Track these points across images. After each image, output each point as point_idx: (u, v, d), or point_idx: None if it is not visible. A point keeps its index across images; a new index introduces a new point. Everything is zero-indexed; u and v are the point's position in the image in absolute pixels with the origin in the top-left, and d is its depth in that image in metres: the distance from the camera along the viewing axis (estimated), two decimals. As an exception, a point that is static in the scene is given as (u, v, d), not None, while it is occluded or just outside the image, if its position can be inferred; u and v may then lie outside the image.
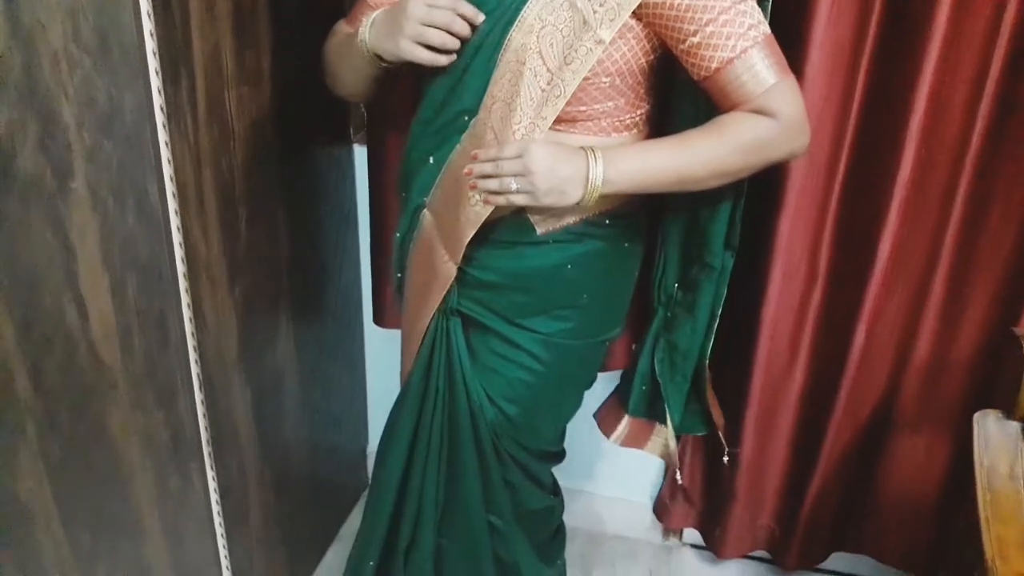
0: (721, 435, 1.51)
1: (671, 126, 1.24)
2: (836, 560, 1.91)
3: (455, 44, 1.10)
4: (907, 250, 1.51)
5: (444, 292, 1.24)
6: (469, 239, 1.16)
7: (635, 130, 1.17)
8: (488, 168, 1.07)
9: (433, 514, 1.35)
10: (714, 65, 1.05)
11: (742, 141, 1.08)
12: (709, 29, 1.04)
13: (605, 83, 1.09)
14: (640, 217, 1.29)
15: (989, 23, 1.31)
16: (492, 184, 1.07)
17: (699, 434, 1.54)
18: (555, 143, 1.08)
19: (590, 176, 1.06)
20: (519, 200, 1.07)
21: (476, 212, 1.14)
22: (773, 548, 1.89)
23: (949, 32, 1.32)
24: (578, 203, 1.08)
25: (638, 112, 1.16)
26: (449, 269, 1.22)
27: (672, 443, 1.47)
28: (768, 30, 1.08)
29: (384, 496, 1.37)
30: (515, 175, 1.05)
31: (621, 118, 1.14)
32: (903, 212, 1.47)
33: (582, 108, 1.11)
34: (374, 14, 1.18)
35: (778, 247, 1.50)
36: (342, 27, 1.29)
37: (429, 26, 1.08)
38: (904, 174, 1.42)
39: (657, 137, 1.17)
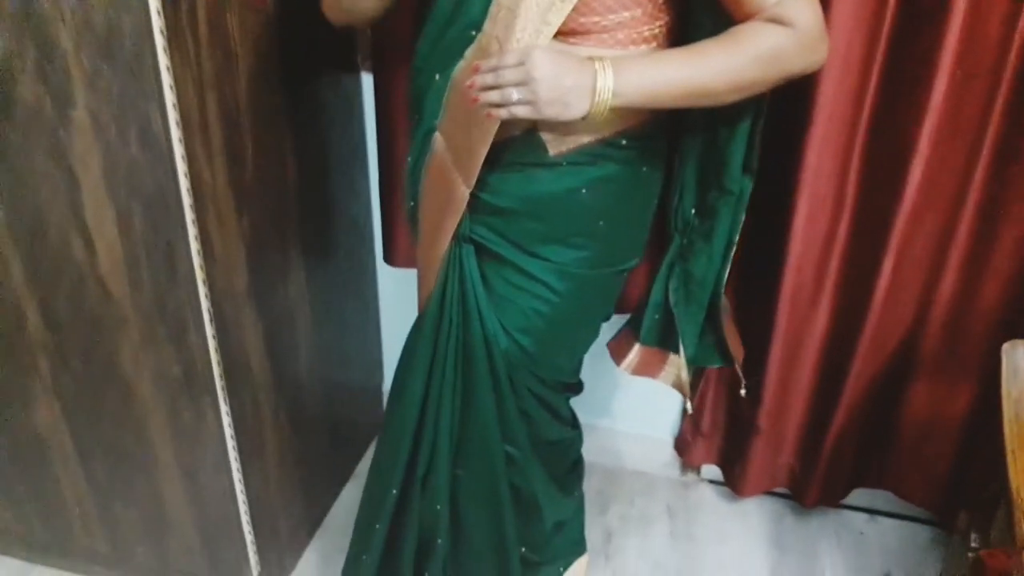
0: (738, 368, 1.48)
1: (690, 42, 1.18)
2: (856, 496, 1.90)
3: None
4: (937, 180, 1.46)
5: (459, 215, 1.20)
6: (482, 160, 1.12)
7: (654, 44, 1.12)
8: (489, 79, 1.02)
9: (448, 443, 1.34)
10: None
11: (759, 51, 1.03)
12: None
13: None
14: (659, 140, 1.24)
15: None
16: (494, 96, 1.02)
17: (714, 366, 1.52)
18: (561, 50, 1.03)
19: (598, 86, 1.01)
20: (521, 112, 1.01)
21: (484, 129, 1.09)
22: (793, 485, 1.88)
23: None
24: (585, 117, 1.03)
25: (656, 24, 1.10)
26: (463, 192, 1.18)
27: (684, 373, 1.44)
28: None
29: (404, 425, 1.35)
30: (516, 84, 0.99)
31: (639, 30, 1.09)
32: (934, 140, 1.41)
33: (596, 19, 1.05)
34: None
35: (805, 177, 1.45)
36: None
37: None
38: (937, 98, 1.36)
39: None
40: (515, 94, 1.00)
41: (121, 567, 1.67)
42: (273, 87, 1.36)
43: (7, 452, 1.55)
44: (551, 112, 1.01)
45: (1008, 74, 1.34)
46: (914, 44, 1.35)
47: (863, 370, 1.67)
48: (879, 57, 1.37)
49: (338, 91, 1.59)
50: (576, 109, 1.02)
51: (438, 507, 1.36)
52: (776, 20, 1.03)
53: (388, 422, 1.40)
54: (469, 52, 1.10)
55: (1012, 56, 1.32)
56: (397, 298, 2.00)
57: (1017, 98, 1.36)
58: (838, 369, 1.68)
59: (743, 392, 1.53)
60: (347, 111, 1.65)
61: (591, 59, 1.02)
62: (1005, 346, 1.29)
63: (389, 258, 1.80)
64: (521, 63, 0.99)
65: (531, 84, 0.99)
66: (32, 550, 1.72)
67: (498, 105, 1.02)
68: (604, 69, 1.01)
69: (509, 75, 1.00)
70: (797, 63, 1.06)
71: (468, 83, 1.04)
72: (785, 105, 1.16)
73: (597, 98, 1.01)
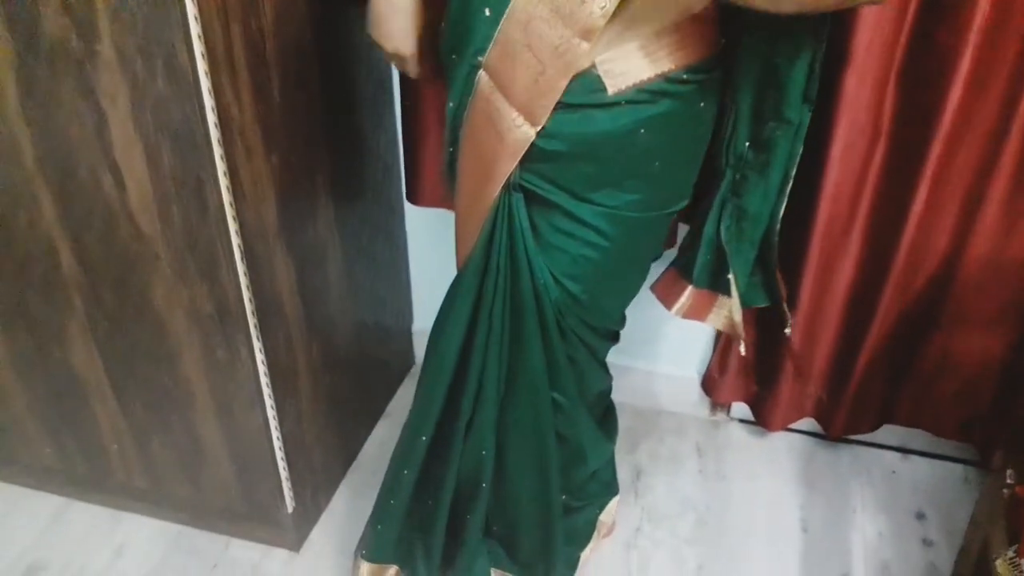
0: (785, 306, 1.46)
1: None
2: (887, 433, 1.89)
3: None
4: (975, 106, 1.41)
5: (516, 160, 1.17)
6: (557, 98, 1.09)
7: None
8: None
9: (496, 392, 1.34)
10: None
11: None
12: None
13: None
14: (718, 72, 1.19)
15: None
16: None
17: (760, 306, 1.49)
18: None
19: None
20: None
21: (565, 62, 1.06)
22: (821, 416, 1.87)
23: None
24: None
25: None
26: (524, 133, 1.14)
27: (737, 315, 1.42)
28: None
29: (440, 375, 1.35)
30: None
31: None
32: (974, 62, 1.36)
33: None
34: None
35: (843, 103, 1.41)
36: None
37: None
38: (980, 17, 1.31)
39: None
40: None
41: (158, 503, 1.71)
42: (298, 20, 1.34)
43: (46, 389, 1.57)
44: None
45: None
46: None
47: (894, 303, 1.65)
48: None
49: (363, 25, 1.55)
50: None
51: (483, 452, 1.36)
52: None
53: (424, 371, 1.40)
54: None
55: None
56: (426, 238, 1.99)
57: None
58: (869, 300, 1.65)
59: (787, 331, 1.50)
60: (373, 47, 1.62)
61: None
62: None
63: (413, 197, 1.78)
64: None
65: None
66: (72, 486, 1.76)
67: None
68: None
69: None
70: None
71: None
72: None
73: None
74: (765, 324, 1.75)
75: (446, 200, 1.68)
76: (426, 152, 1.70)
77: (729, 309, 1.42)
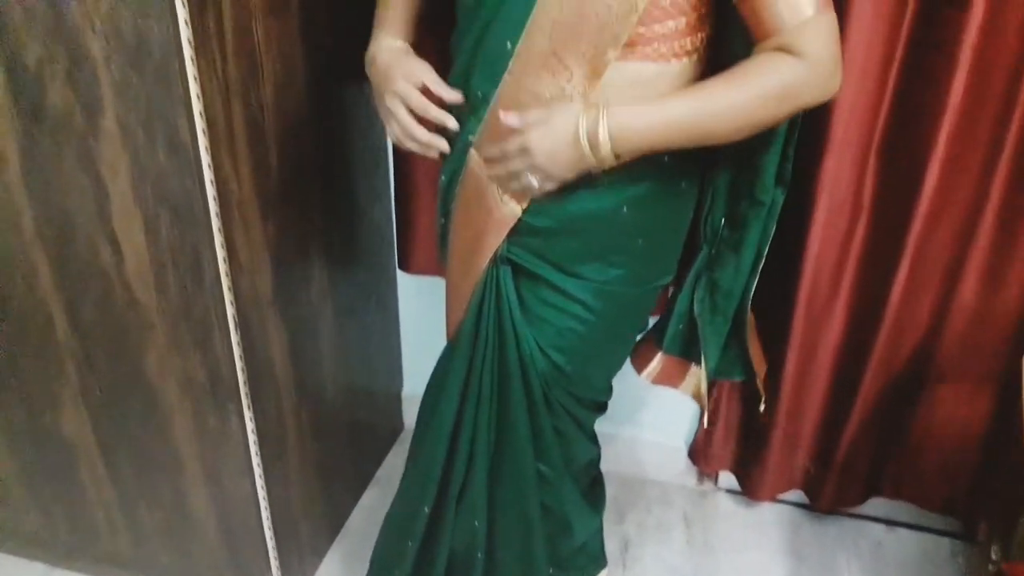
0: (760, 384, 1.47)
1: (723, 58, 1.18)
2: (874, 506, 1.89)
3: (443, 147, 1.14)
4: (954, 184, 1.46)
5: (503, 235, 1.20)
6: None
7: (695, 56, 1.11)
8: (499, 169, 1.11)
9: (486, 461, 1.34)
10: None
11: (766, 89, 1.01)
12: None
13: (667, 0, 1.03)
14: (696, 153, 1.23)
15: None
16: (500, 171, 1.11)
17: (736, 379, 1.51)
18: (556, 117, 1.05)
19: (601, 145, 1.03)
20: (535, 184, 1.09)
21: None
22: (809, 488, 1.88)
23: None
24: (593, 169, 1.07)
25: (699, 36, 1.10)
26: (511, 210, 1.17)
27: (704, 386, 1.44)
28: None
29: (437, 444, 1.36)
30: (523, 169, 1.07)
31: (681, 42, 1.08)
32: (951, 144, 1.41)
33: (642, 30, 1.04)
34: (377, 53, 1.21)
35: (823, 181, 1.45)
36: None
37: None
38: (954, 102, 1.37)
39: (714, 69, 1.12)
40: (525, 176, 1.08)
41: (145, 571, 1.69)
42: (298, 94, 1.38)
43: (35, 456, 1.57)
44: (560, 176, 1.08)
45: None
46: (933, 49, 1.35)
47: (878, 375, 1.67)
48: (897, 60, 1.38)
49: (361, 98, 1.60)
50: (582, 167, 1.06)
51: (475, 523, 1.37)
52: (789, 49, 1.00)
53: (420, 441, 1.40)
54: (513, 65, 1.09)
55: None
56: (417, 303, 2.01)
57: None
58: (853, 373, 1.68)
59: (762, 408, 1.52)
60: (370, 118, 1.67)
61: (594, 107, 1.03)
62: (1025, 358, 1.29)
63: (404, 265, 1.81)
64: (523, 149, 1.06)
65: (535, 166, 1.07)
66: (57, 554, 1.74)
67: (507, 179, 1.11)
68: (603, 123, 1.02)
69: (515, 163, 1.08)
70: (808, 97, 1.03)
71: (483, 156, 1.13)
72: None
73: (602, 152, 1.04)
74: (751, 394, 1.76)
75: (437, 267, 1.71)
76: (419, 221, 1.73)
77: (698, 378, 1.44)
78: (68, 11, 1.08)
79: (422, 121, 1.16)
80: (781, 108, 1.04)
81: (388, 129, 1.18)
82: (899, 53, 1.37)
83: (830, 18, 1.00)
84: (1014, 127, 1.38)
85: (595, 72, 1.05)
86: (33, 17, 1.10)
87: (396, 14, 1.24)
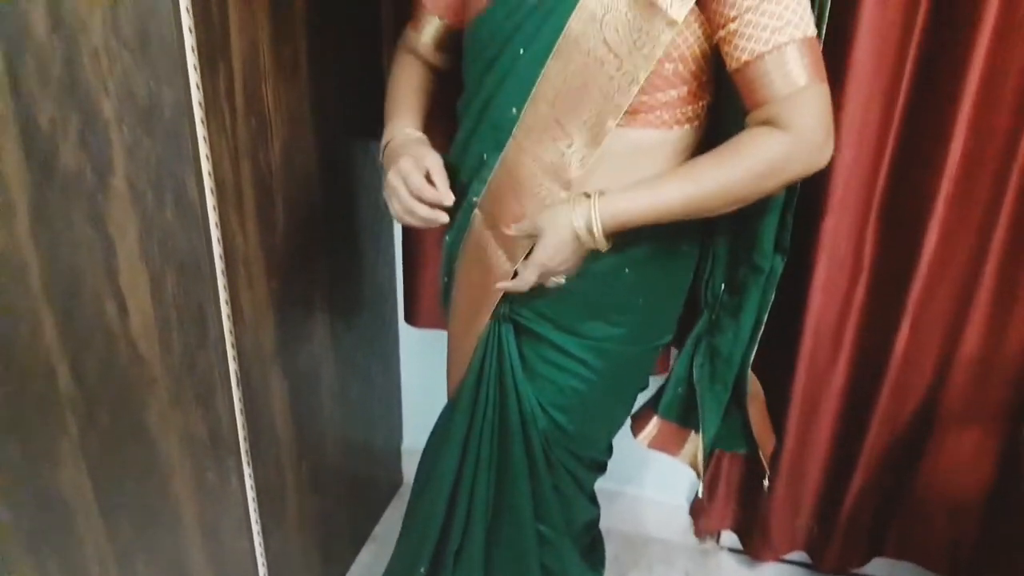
0: (763, 458, 1.46)
1: (723, 123, 1.20)
2: (879, 567, 1.87)
3: (442, 220, 1.16)
4: (954, 245, 1.48)
5: (501, 293, 1.22)
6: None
7: (696, 123, 1.13)
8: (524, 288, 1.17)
9: (484, 520, 1.34)
10: (744, 57, 1.01)
11: (756, 166, 1.04)
12: (748, 17, 0.99)
13: (669, 70, 1.05)
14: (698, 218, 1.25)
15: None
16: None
17: (739, 451, 1.50)
18: (551, 237, 1.10)
19: (595, 233, 1.08)
20: (561, 282, 1.18)
21: (555, 200, 1.15)
22: (812, 548, 1.86)
23: (999, 22, 1.28)
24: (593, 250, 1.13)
25: (700, 104, 1.12)
26: (508, 269, 1.19)
27: (701, 455, 1.43)
28: (812, 31, 1.02)
29: (436, 503, 1.35)
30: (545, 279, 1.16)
31: (683, 109, 1.10)
32: (950, 206, 1.43)
33: (644, 98, 1.07)
34: (393, 138, 1.24)
35: (823, 241, 1.47)
36: (406, 36, 1.32)
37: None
38: (951, 167, 1.39)
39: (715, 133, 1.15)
40: (550, 280, 1.17)
41: (138, 627, 1.66)
42: (306, 153, 1.40)
43: (32, 508, 1.55)
44: (574, 264, 1.15)
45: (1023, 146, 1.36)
46: (930, 114, 1.37)
47: (881, 434, 1.67)
48: (895, 124, 1.40)
49: (368, 155, 1.62)
50: (586, 251, 1.13)
51: None
52: (778, 121, 1.02)
53: (418, 498, 1.40)
54: (517, 131, 1.12)
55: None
56: (419, 358, 2.01)
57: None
58: (855, 432, 1.68)
59: (765, 484, 1.51)
60: (376, 175, 1.69)
61: (585, 201, 1.07)
62: (1027, 421, 1.28)
63: (411, 319, 1.82)
64: (541, 269, 1.13)
65: (552, 273, 1.15)
66: (50, 608, 1.72)
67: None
68: (595, 218, 1.07)
69: (539, 280, 1.16)
70: (797, 171, 1.05)
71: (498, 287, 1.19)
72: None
73: (598, 240, 1.08)
74: (754, 458, 1.75)
75: (443, 321, 1.72)
76: (425, 276, 1.74)
77: (696, 447, 1.43)
78: (83, 74, 1.10)
79: None
80: (770, 183, 1.06)
81: (389, 205, 1.20)
82: (897, 116, 1.39)
83: (822, 89, 1.02)
84: (1011, 188, 1.40)
85: (595, 139, 1.08)
86: (48, 78, 1.12)
87: (409, 104, 1.28)
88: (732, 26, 1.01)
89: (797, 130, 1.01)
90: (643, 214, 1.07)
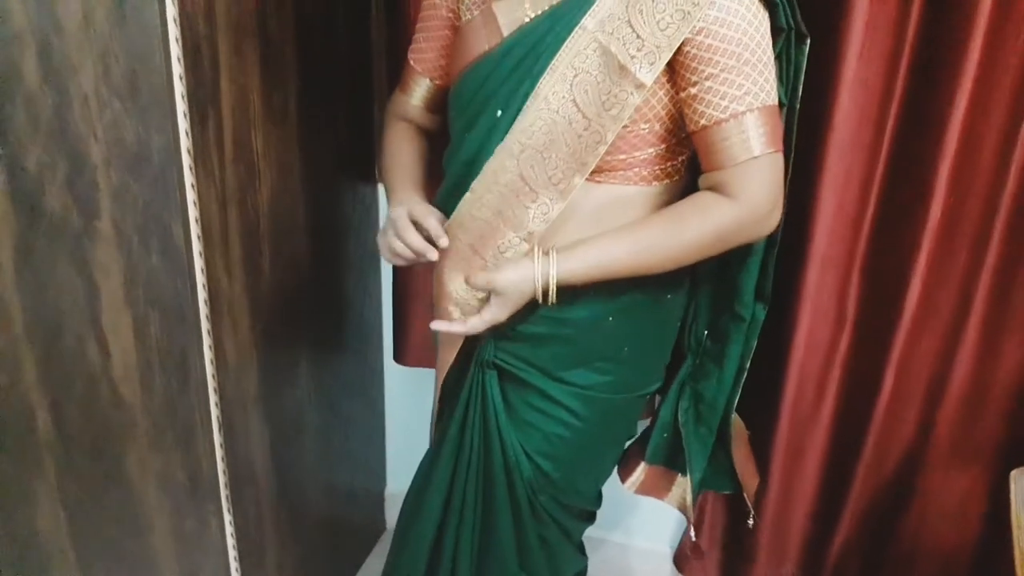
0: (747, 498, 1.46)
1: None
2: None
3: (431, 258, 1.18)
4: (937, 296, 1.49)
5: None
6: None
7: (676, 177, 1.15)
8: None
9: (468, 570, 1.32)
10: (702, 122, 1.04)
11: (702, 232, 1.07)
12: (708, 84, 1.02)
13: (644, 129, 1.07)
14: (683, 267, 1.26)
15: (1020, 69, 1.29)
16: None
17: (724, 492, 1.50)
18: (512, 293, 1.11)
19: (550, 287, 1.09)
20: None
21: (517, 251, 1.16)
22: (797, 599, 1.85)
23: (979, 76, 1.31)
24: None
25: (679, 159, 1.14)
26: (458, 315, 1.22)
27: (689, 497, 1.43)
28: (772, 99, 1.04)
29: (418, 551, 1.34)
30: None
31: (663, 166, 1.12)
32: (932, 258, 1.45)
33: (622, 156, 1.09)
34: (401, 200, 1.25)
35: (807, 290, 1.48)
36: (396, 101, 1.35)
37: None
38: (933, 220, 1.40)
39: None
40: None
41: (112, 675, 1.63)
42: (293, 199, 1.41)
43: (6, 551, 1.53)
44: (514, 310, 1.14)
45: (1005, 201, 1.38)
46: (912, 167, 1.39)
47: (866, 482, 1.67)
48: (878, 178, 1.42)
49: (356, 200, 1.63)
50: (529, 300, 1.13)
51: None
52: (727, 189, 1.05)
53: (401, 546, 1.38)
54: (475, 185, 1.15)
55: (1009, 182, 1.36)
56: (403, 402, 2.00)
57: (1015, 222, 1.40)
58: (841, 480, 1.67)
59: (750, 523, 1.51)
60: (364, 219, 1.70)
61: (544, 256, 1.10)
62: (1014, 473, 1.29)
63: (400, 357, 1.81)
64: (494, 320, 1.13)
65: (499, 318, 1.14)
66: (21, 655, 1.68)
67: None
68: (552, 275, 1.09)
69: (476, 329, 1.15)
70: (742, 238, 1.09)
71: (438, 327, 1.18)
72: (787, 222, 1.19)
73: (551, 296, 1.10)
74: (737, 502, 1.75)
75: (432, 359, 1.71)
76: (414, 312, 1.74)
77: (684, 489, 1.43)
78: (72, 119, 1.11)
79: None
80: (715, 247, 1.09)
81: (380, 247, 1.22)
82: (880, 170, 1.41)
83: (775, 158, 1.05)
84: (994, 240, 1.42)
85: (561, 195, 1.09)
86: (37, 124, 1.12)
87: (410, 177, 1.29)
88: (693, 90, 1.03)
89: (745, 199, 1.04)
90: (590, 272, 1.09)
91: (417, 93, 1.32)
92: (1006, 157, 1.35)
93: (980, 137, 1.35)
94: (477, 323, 1.13)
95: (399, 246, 1.17)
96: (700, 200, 1.08)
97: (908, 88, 1.36)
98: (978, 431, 1.58)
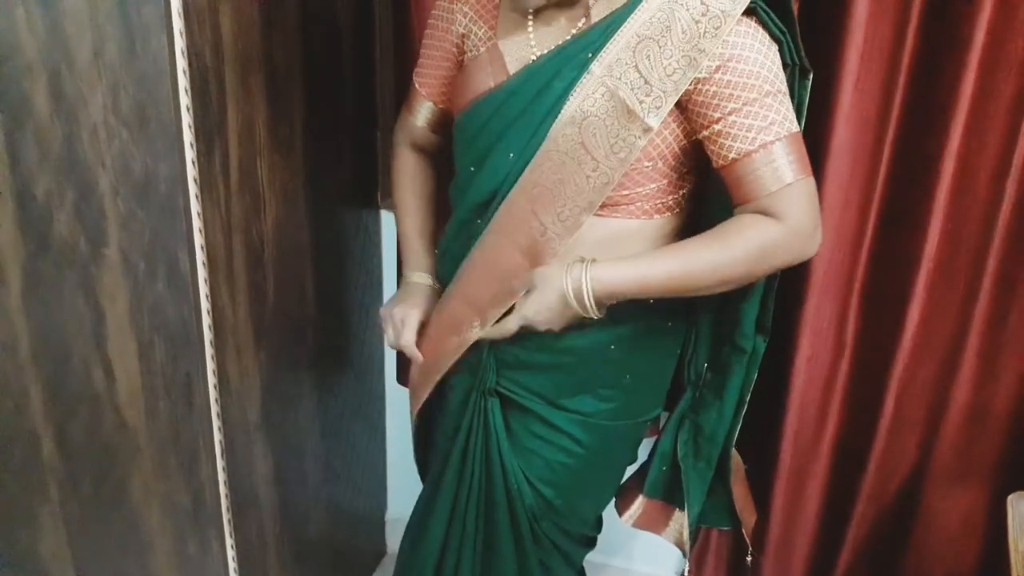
0: (746, 534, 1.46)
1: (708, 205, 1.23)
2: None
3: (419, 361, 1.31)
4: (935, 321, 1.50)
5: (458, 355, 1.26)
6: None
7: (677, 210, 1.16)
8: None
9: None
10: (731, 155, 1.04)
11: (746, 251, 1.06)
12: (732, 119, 1.03)
13: (647, 167, 1.09)
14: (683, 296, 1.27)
15: (1015, 95, 1.31)
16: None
17: (723, 527, 1.50)
18: (543, 294, 1.12)
19: (586, 303, 1.10)
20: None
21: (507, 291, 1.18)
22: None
23: (975, 105, 1.32)
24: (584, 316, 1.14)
25: (680, 192, 1.15)
26: (476, 333, 1.22)
27: (686, 533, 1.42)
28: (795, 127, 1.05)
29: None
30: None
31: (664, 200, 1.14)
32: (930, 284, 1.46)
33: (624, 192, 1.10)
34: (411, 279, 1.34)
35: (806, 321, 1.49)
36: (403, 122, 1.38)
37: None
38: (931, 247, 1.42)
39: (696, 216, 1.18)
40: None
41: None
42: (298, 227, 1.42)
43: (8, 575, 1.54)
44: (557, 325, 1.15)
45: (1000, 226, 1.39)
46: (910, 194, 1.41)
47: (868, 507, 1.67)
48: (875, 205, 1.43)
49: (359, 227, 1.65)
50: (574, 317, 1.13)
51: None
52: (768, 212, 1.04)
53: (405, 571, 1.39)
54: (494, 219, 1.17)
55: (1004, 208, 1.38)
56: (405, 424, 1.99)
57: (1010, 247, 1.41)
58: (842, 508, 1.68)
59: (748, 560, 1.51)
60: (367, 246, 1.72)
61: (578, 265, 1.09)
62: (1011, 497, 1.29)
63: (404, 379, 1.82)
64: (524, 321, 1.15)
65: (535, 326, 1.15)
66: None
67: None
68: (586, 285, 1.09)
69: (518, 328, 1.17)
70: (786, 257, 1.08)
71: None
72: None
73: (588, 308, 1.10)
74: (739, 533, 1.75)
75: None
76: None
77: (682, 524, 1.43)
78: (80, 148, 1.13)
79: None
80: (758, 268, 1.08)
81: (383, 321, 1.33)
82: (877, 197, 1.43)
83: (808, 182, 1.05)
84: (989, 268, 1.43)
85: (568, 230, 1.11)
86: (47, 153, 1.14)
87: (418, 248, 1.35)
88: (717, 127, 1.04)
89: (788, 221, 1.04)
90: (632, 286, 1.09)
91: (422, 115, 1.33)
92: (1000, 187, 1.36)
93: (975, 167, 1.36)
94: (511, 325, 1.15)
95: (395, 343, 1.30)
96: (744, 219, 1.07)
97: (903, 118, 1.37)
98: (978, 454, 1.59)
